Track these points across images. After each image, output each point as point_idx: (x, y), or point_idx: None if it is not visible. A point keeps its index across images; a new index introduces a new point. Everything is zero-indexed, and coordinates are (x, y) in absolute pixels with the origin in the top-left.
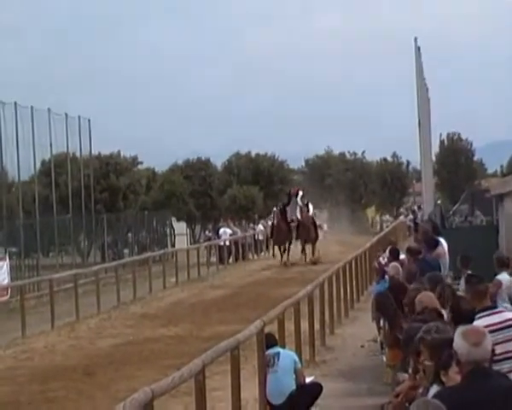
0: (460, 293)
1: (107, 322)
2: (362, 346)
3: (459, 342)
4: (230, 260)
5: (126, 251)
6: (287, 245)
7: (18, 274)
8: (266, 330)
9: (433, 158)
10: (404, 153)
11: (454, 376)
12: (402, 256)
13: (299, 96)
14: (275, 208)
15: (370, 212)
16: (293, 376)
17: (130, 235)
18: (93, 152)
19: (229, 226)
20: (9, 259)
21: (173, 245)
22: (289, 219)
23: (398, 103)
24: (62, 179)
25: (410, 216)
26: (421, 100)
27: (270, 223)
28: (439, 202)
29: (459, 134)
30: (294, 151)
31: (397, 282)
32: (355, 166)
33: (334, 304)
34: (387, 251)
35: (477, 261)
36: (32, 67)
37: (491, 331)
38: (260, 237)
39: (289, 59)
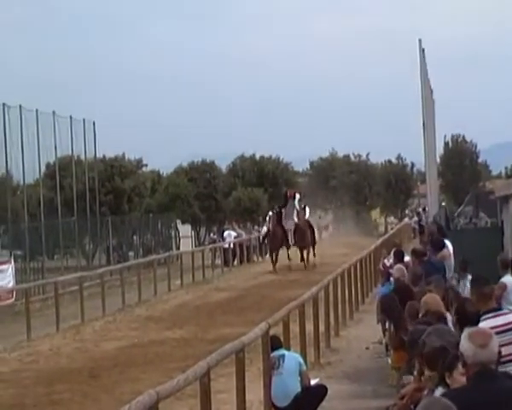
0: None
1: (112, 325)
2: (367, 348)
3: (465, 344)
4: (235, 262)
5: (131, 254)
6: (281, 251)
7: (23, 277)
8: (271, 332)
9: (438, 160)
10: (408, 155)
11: (459, 378)
12: (407, 258)
13: (303, 97)
14: (270, 212)
15: (375, 214)
16: (299, 378)
17: (135, 237)
18: (98, 155)
19: (233, 229)
20: (14, 262)
21: (178, 248)
22: (286, 228)
23: (402, 105)
24: (67, 182)
25: (415, 218)
26: (425, 102)
27: (265, 228)
28: (443, 203)
29: (463, 136)
30: (299, 153)
31: (402, 284)
32: (359, 168)
33: (339, 306)
34: (392, 253)
35: (482, 263)
36: (36, 66)
37: (496, 333)
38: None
39: (292, 59)
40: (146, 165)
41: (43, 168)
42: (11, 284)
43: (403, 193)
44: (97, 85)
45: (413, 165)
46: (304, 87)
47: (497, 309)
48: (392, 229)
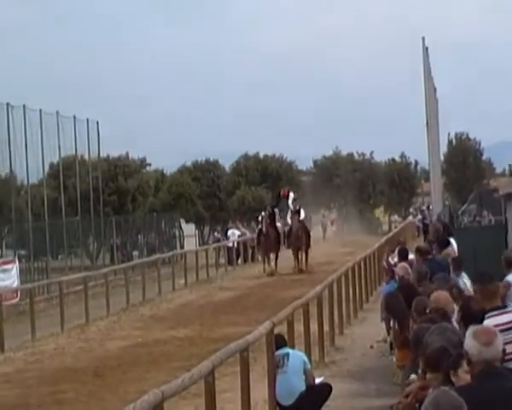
0: None
1: (117, 324)
2: (371, 346)
3: (470, 342)
4: (239, 261)
5: (135, 253)
6: (274, 254)
7: (27, 277)
8: (275, 331)
9: (442, 158)
10: (412, 153)
11: (464, 376)
12: (411, 256)
13: (308, 97)
14: (263, 213)
15: (379, 212)
16: (303, 376)
17: (140, 237)
18: (101, 154)
19: (237, 228)
20: (19, 262)
21: (182, 247)
22: (280, 230)
23: (406, 103)
24: (71, 182)
25: (419, 216)
26: (429, 100)
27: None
28: (447, 202)
29: (467, 134)
30: (303, 152)
31: (406, 282)
32: (363, 167)
33: (344, 305)
34: (396, 251)
35: (486, 262)
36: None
37: (501, 331)
38: None
39: (296, 58)
40: (150, 164)
41: (46, 168)
42: (15, 284)
43: (407, 191)
44: (101, 84)
45: (417, 163)
46: (307, 87)
47: (502, 307)
48: (395, 227)
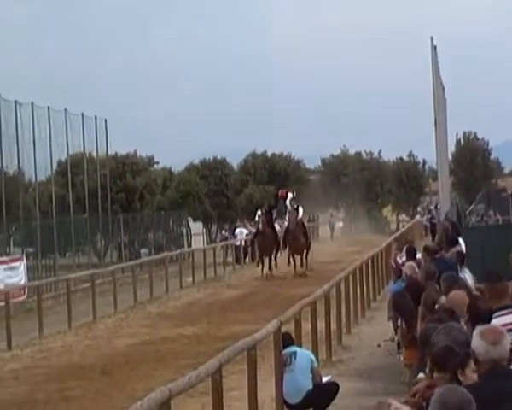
0: None
1: (124, 322)
2: (378, 345)
3: (477, 342)
4: (247, 259)
5: (143, 251)
6: (273, 255)
7: (35, 274)
8: (283, 329)
9: (450, 157)
10: (420, 152)
11: (471, 375)
12: (418, 256)
13: (315, 95)
14: (259, 211)
15: (386, 211)
16: (310, 375)
17: (149, 235)
18: (109, 152)
19: (245, 226)
20: (26, 259)
21: (190, 245)
22: (278, 232)
23: (414, 103)
24: (79, 179)
25: (427, 216)
26: (437, 99)
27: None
28: (454, 201)
29: (475, 133)
30: (311, 151)
31: (414, 281)
32: (371, 166)
33: (351, 303)
34: (404, 250)
35: (493, 261)
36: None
37: (508, 330)
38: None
39: (303, 55)
40: (157, 162)
41: (54, 165)
42: (23, 281)
43: (414, 190)
44: (109, 83)
45: (425, 162)
46: (314, 85)
47: (510, 306)
48: (403, 226)
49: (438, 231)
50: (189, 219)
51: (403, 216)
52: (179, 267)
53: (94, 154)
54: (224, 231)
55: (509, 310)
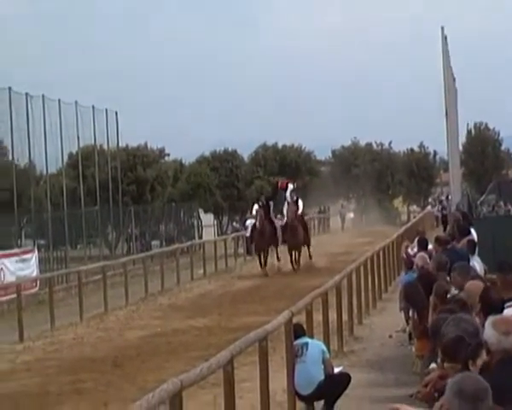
0: None
1: (135, 313)
2: (390, 336)
3: (489, 332)
4: None
5: (154, 243)
6: (271, 250)
7: (46, 266)
8: (294, 320)
9: (460, 148)
10: (431, 143)
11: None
12: (430, 246)
13: (324, 86)
14: (256, 205)
15: (397, 202)
16: (322, 366)
17: (161, 227)
18: (120, 144)
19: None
20: (38, 251)
21: (200, 237)
22: (276, 224)
23: (425, 93)
24: (90, 172)
25: (438, 206)
26: (448, 89)
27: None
28: (465, 192)
29: (486, 123)
30: (321, 142)
31: (425, 272)
32: (382, 157)
33: (362, 294)
34: (416, 241)
35: (504, 251)
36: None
37: None
38: None
39: (312, 48)
40: (168, 154)
41: (65, 158)
42: (35, 274)
43: (425, 181)
44: (121, 74)
45: (435, 153)
46: (324, 76)
47: None
48: (414, 217)
49: (449, 222)
50: (200, 211)
51: (414, 207)
52: (190, 259)
53: (105, 146)
54: (234, 223)
55: None
